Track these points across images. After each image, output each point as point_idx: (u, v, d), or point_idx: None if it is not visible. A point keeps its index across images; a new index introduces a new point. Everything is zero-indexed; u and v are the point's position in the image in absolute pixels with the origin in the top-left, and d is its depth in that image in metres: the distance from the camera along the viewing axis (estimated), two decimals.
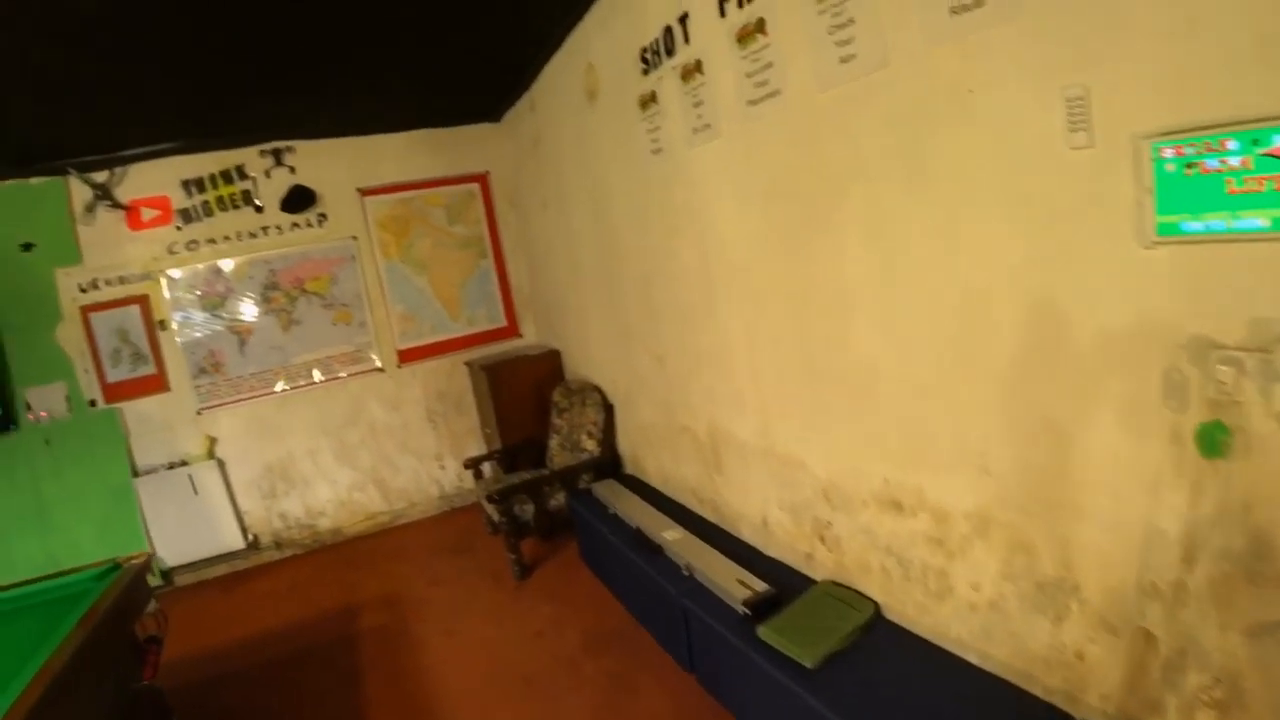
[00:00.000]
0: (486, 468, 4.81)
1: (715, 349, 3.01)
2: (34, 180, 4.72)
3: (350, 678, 3.40)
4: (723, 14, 2.45)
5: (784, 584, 2.61)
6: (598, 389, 4.33)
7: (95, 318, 4.92)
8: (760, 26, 2.27)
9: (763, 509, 2.94)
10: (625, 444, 4.28)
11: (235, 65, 3.62)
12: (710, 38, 2.55)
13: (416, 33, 3.56)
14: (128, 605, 2.52)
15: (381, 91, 4.47)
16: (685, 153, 2.87)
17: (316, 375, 5.26)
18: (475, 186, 5.51)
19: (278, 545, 5.32)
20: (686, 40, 2.71)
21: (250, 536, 5.22)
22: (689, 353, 3.23)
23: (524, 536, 4.03)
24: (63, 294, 4.86)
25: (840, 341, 2.25)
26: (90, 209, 4.81)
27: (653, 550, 3.12)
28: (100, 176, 4.79)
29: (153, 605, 2.73)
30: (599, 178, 3.80)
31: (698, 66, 2.67)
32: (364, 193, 5.25)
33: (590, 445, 4.17)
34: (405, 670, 3.36)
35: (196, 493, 5.02)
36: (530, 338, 5.65)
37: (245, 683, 3.59)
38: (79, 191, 4.80)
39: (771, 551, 2.94)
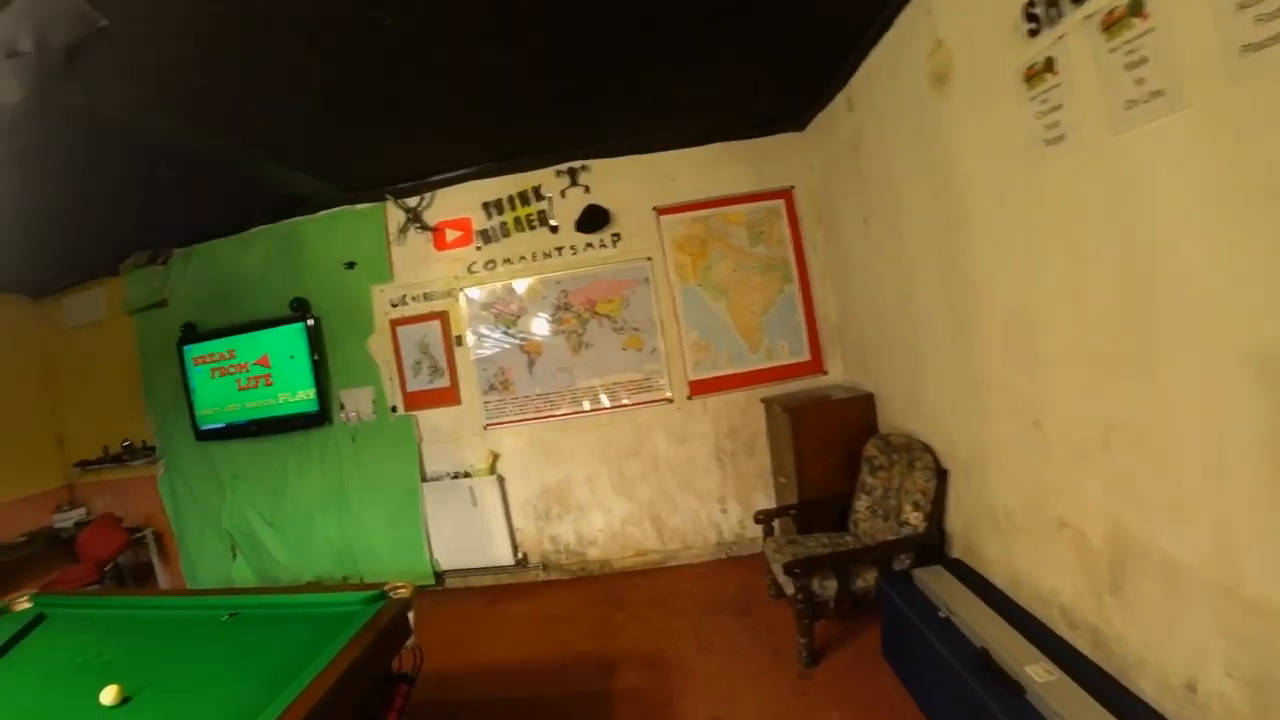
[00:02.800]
0: (776, 524, 4.21)
1: (1144, 421, 2.09)
2: (359, 206, 5.27)
3: None
4: None
5: None
6: (928, 449, 3.52)
7: (402, 331, 5.32)
8: None
9: (1191, 666, 2.00)
10: (958, 522, 3.42)
11: (534, 93, 3.74)
12: None
13: (715, 35, 3.28)
14: (389, 639, 2.41)
15: (678, 104, 4.26)
16: (1107, 140, 2.04)
17: (603, 401, 5.10)
18: (779, 203, 4.99)
19: (545, 567, 5.30)
20: None
21: (520, 554, 5.28)
22: (1090, 421, 2.33)
23: (820, 618, 3.38)
24: (376, 308, 5.35)
25: None
26: (403, 231, 5.26)
27: (1007, 687, 2.30)
28: (412, 201, 5.21)
29: (410, 641, 2.53)
30: (949, 183, 3.04)
31: (1134, 8, 1.85)
32: (660, 211, 5.00)
33: (914, 518, 3.38)
34: None
35: (475, 504, 5.18)
36: (836, 376, 4.95)
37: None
38: (394, 215, 5.25)
39: None
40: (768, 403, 4.74)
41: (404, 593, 2.62)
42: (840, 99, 4.19)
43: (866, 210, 4.06)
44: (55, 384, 6.33)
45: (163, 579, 6.16)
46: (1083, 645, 2.49)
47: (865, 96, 3.86)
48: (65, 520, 6.07)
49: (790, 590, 3.36)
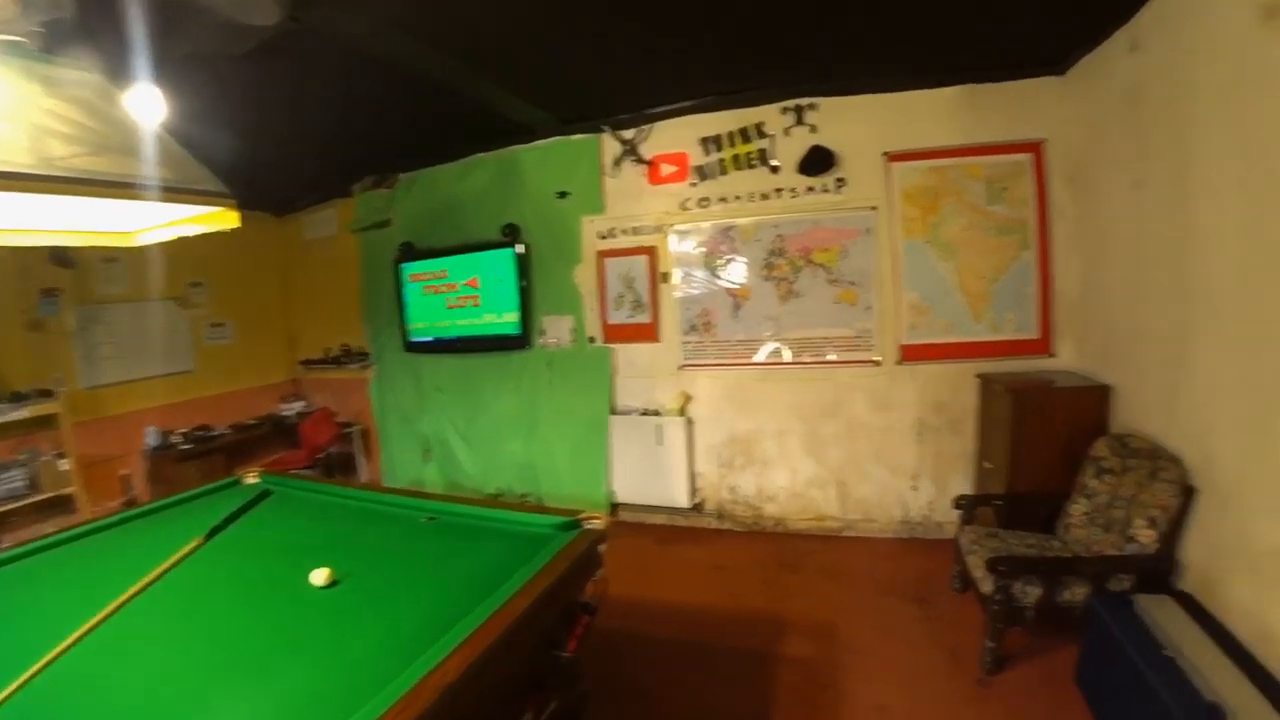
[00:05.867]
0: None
1: None
2: (575, 137, 5.44)
3: (756, 710, 3.11)
4: None
5: None
6: (1177, 460, 3.20)
7: (609, 263, 5.52)
8: None
9: None
10: (1197, 552, 3.09)
11: (764, 20, 3.62)
12: None
13: None
14: (582, 569, 2.47)
15: (922, 35, 3.96)
16: None
17: (805, 355, 5.05)
18: (1026, 158, 4.54)
19: (719, 516, 5.45)
20: None
21: (697, 499, 5.46)
22: None
23: (1013, 625, 3.24)
24: (585, 239, 5.57)
25: None
26: (617, 163, 5.38)
27: None
28: (629, 134, 5.29)
29: (599, 573, 2.61)
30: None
31: None
32: (891, 157, 4.75)
33: (1144, 536, 3.13)
34: None
35: (660, 444, 5.38)
36: (1065, 361, 4.55)
37: (651, 660, 3.55)
38: (609, 147, 5.38)
39: None
40: (986, 380, 4.49)
41: (598, 524, 2.68)
42: (1119, 38, 3.74)
43: (1140, 173, 3.62)
44: (290, 292, 7.53)
45: (364, 471, 7.03)
46: None
47: (1157, 35, 3.40)
48: (289, 410, 7.17)
49: (988, 588, 3.24)
